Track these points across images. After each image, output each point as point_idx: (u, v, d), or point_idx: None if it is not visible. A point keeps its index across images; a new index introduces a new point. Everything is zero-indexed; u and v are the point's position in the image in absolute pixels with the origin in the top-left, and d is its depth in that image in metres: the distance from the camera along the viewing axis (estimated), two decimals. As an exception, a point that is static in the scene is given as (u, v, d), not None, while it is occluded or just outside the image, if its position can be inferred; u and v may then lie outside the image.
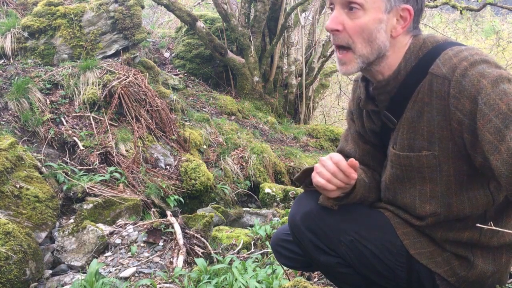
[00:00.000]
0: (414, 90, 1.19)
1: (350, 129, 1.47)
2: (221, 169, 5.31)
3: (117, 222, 3.44)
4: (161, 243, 3.05)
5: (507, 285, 1.71)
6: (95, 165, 4.11)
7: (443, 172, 1.19)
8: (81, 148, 4.22)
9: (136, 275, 2.74)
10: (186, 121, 5.72)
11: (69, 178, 3.80)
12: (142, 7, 5.79)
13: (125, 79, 4.81)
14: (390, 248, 1.27)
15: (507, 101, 1.02)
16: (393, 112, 1.25)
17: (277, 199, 4.91)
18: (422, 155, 1.19)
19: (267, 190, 4.97)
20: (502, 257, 1.26)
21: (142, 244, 3.06)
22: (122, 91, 4.69)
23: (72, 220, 3.39)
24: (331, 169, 1.21)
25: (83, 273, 2.76)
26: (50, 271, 2.92)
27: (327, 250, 1.29)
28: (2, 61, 5.01)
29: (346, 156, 1.39)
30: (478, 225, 1.16)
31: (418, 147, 1.20)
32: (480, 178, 1.20)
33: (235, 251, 3.12)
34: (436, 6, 6.92)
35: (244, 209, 4.65)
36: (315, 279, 2.27)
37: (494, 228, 1.08)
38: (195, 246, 3.00)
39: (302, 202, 1.34)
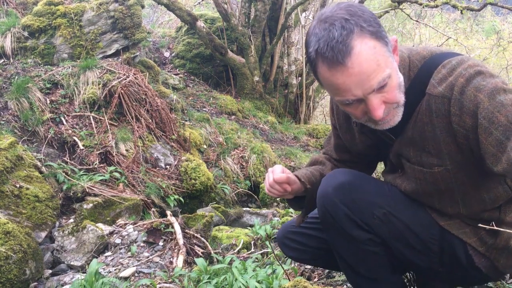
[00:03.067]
0: (413, 109, 1.21)
1: (333, 137, 1.55)
2: (221, 169, 5.30)
3: (117, 222, 3.44)
4: (161, 243, 3.04)
5: (507, 285, 1.71)
6: (95, 164, 4.11)
7: (458, 181, 1.22)
8: (81, 147, 4.22)
9: (136, 275, 2.73)
10: (186, 120, 5.72)
11: (69, 178, 3.79)
12: (142, 7, 5.79)
13: (125, 79, 4.80)
14: (422, 220, 1.29)
15: (505, 113, 1.04)
16: (392, 130, 1.25)
17: (277, 199, 4.91)
18: (435, 172, 1.22)
19: (267, 190, 4.96)
20: None
21: (142, 244, 3.06)
22: (122, 91, 4.69)
23: (72, 220, 3.39)
24: (268, 183, 1.41)
25: (83, 272, 2.75)
26: (50, 271, 2.91)
27: (360, 223, 1.27)
28: (2, 60, 5.01)
29: (327, 154, 1.60)
30: (480, 225, 1.17)
31: (427, 164, 1.23)
32: (495, 178, 1.22)
33: (235, 251, 3.12)
34: (437, 6, 6.92)
35: (244, 209, 4.65)
36: (315, 279, 2.27)
37: (496, 228, 1.08)
38: (195, 246, 3.00)
39: (333, 176, 1.32)
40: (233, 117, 6.76)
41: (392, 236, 1.28)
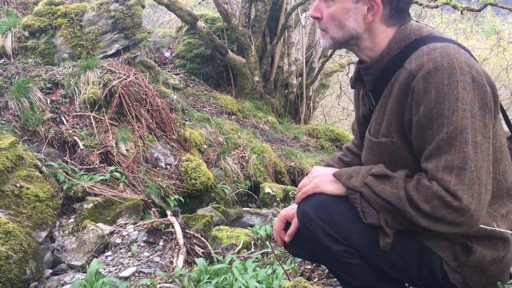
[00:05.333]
0: (390, 78, 1.28)
1: (355, 112, 1.62)
2: (221, 168, 5.31)
3: (117, 221, 3.44)
4: (161, 243, 3.05)
5: (506, 285, 1.71)
6: (96, 164, 4.11)
7: (402, 157, 1.26)
8: (82, 147, 4.22)
9: (136, 274, 2.74)
10: (186, 120, 5.72)
11: (69, 178, 3.80)
12: (143, 7, 5.79)
13: (126, 79, 4.81)
14: (401, 235, 1.27)
15: (439, 122, 1.13)
16: (375, 95, 1.35)
17: (277, 199, 4.91)
18: (382, 142, 1.28)
19: (267, 190, 4.97)
20: (498, 242, 1.25)
21: (142, 244, 3.06)
22: (122, 91, 4.69)
23: (72, 220, 3.39)
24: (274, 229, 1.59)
25: (83, 272, 2.76)
26: (50, 271, 2.92)
27: (339, 238, 1.28)
28: (3, 60, 5.01)
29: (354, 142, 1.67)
30: (481, 225, 1.17)
31: (380, 133, 1.29)
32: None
33: (235, 251, 3.12)
34: (437, 6, 6.92)
35: (244, 209, 4.65)
36: (315, 279, 2.27)
37: (497, 229, 1.08)
38: (195, 246, 3.00)
39: (312, 195, 1.34)
40: (233, 117, 6.76)
41: (370, 251, 1.28)
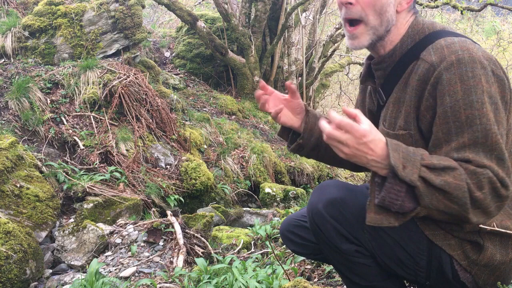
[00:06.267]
0: (404, 71, 1.25)
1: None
2: (221, 168, 5.31)
3: (117, 221, 3.44)
4: (161, 243, 3.05)
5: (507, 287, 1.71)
6: (96, 164, 4.11)
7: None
8: (82, 147, 4.22)
9: (136, 274, 2.74)
10: (186, 120, 5.72)
11: (69, 178, 3.80)
12: (143, 7, 5.79)
13: (126, 79, 4.81)
14: (412, 235, 1.27)
15: (468, 114, 1.12)
16: (385, 90, 1.32)
17: (277, 199, 4.91)
18: (399, 134, 1.26)
19: (267, 190, 4.97)
20: (509, 241, 1.25)
21: (142, 244, 3.06)
22: (122, 91, 4.69)
23: (72, 220, 3.39)
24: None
25: (83, 272, 2.76)
26: (50, 271, 2.92)
27: (349, 237, 1.28)
28: (3, 60, 5.01)
29: None
30: (481, 226, 1.17)
31: (397, 126, 1.27)
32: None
33: (235, 251, 3.12)
34: (437, 7, 6.92)
35: (244, 209, 4.65)
36: (315, 279, 2.27)
37: (497, 229, 1.08)
38: (195, 245, 3.00)
39: (324, 190, 1.32)
40: (233, 117, 6.76)
41: (380, 250, 1.28)
